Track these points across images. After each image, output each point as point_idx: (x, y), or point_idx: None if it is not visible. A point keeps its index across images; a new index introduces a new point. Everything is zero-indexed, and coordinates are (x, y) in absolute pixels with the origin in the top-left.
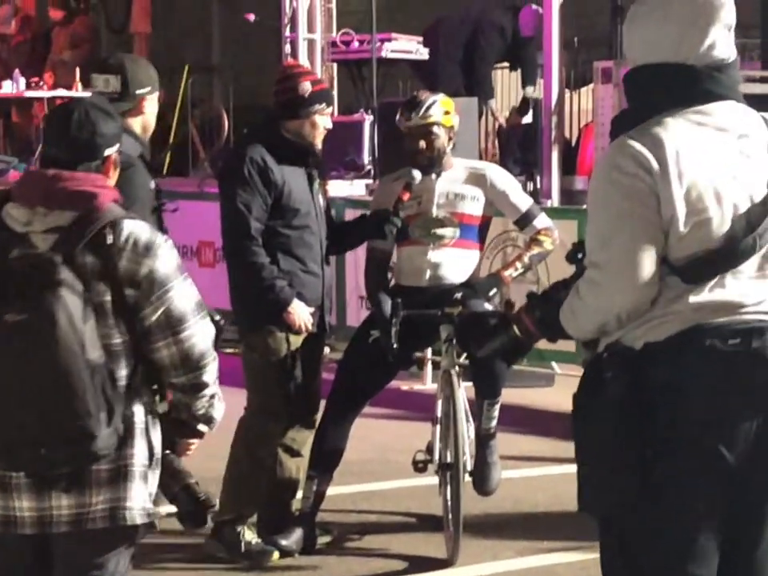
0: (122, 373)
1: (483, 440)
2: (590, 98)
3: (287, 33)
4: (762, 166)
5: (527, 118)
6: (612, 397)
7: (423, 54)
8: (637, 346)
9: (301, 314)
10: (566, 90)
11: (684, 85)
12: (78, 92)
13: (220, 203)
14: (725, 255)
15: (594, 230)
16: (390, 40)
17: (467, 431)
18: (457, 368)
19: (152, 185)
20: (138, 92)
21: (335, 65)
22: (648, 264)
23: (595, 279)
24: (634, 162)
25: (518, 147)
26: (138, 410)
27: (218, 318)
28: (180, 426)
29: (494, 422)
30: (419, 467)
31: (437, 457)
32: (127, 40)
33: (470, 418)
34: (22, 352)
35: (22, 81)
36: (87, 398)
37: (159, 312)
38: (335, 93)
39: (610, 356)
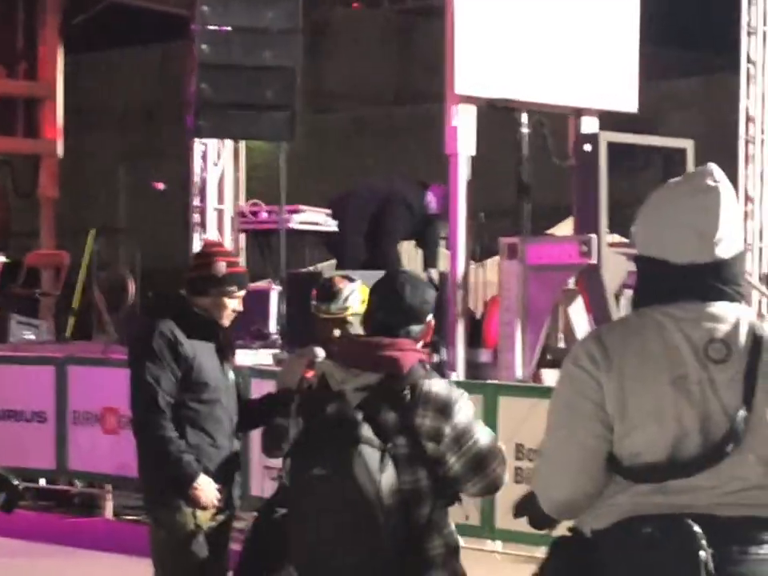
0: (425, 511)
1: None
2: (496, 269)
3: (196, 202)
4: (732, 375)
5: None
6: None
7: (331, 225)
8: (586, 531)
9: (207, 489)
10: (472, 262)
11: (659, 280)
12: None
13: (130, 376)
14: (668, 469)
15: (548, 417)
16: (297, 212)
17: None
18: None
19: None
20: None
21: (243, 234)
22: (583, 460)
23: (537, 467)
24: (588, 357)
25: None
26: (439, 542)
27: (16, 481)
28: None
29: None
30: None
31: None
32: (34, 203)
33: None
34: (326, 501)
35: None
36: (383, 542)
37: (465, 458)
38: (242, 261)
39: (559, 539)
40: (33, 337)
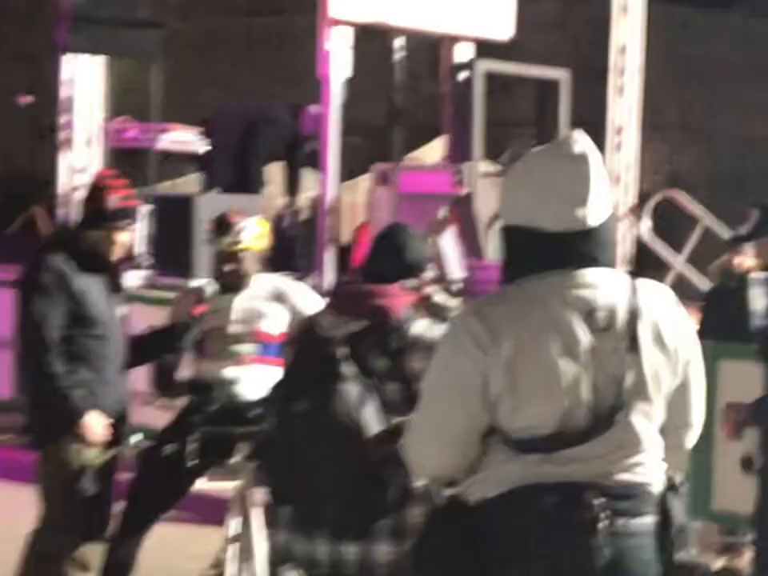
0: None
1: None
2: (363, 191)
3: (64, 119)
4: (616, 343)
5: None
6: (429, 546)
7: (201, 145)
8: (471, 500)
9: (95, 425)
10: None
11: (532, 250)
12: None
13: (18, 310)
14: (558, 440)
15: (426, 387)
16: (168, 131)
17: (263, 552)
18: (252, 489)
19: None
20: None
21: (112, 152)
22: (461, 436)
23: (412, 436)
24: (471, 336)
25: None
26: None
27: None
28: None
29: None
30: None
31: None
32: None
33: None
34: (308, 436)
35: None
36: (361, 473)
37: None
38: None
39: (439, 508)
40: None
